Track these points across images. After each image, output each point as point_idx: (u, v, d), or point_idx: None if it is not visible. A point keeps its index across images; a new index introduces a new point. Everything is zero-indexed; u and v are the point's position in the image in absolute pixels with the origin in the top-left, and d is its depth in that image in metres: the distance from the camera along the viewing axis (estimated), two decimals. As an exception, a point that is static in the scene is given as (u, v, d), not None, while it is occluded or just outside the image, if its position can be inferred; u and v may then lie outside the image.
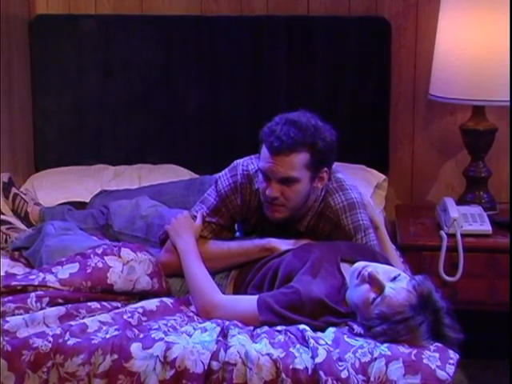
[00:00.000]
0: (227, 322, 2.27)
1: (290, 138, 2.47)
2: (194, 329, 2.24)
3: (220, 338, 2.17)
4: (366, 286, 2.27)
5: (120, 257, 2.48)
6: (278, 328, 2.25)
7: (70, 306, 2.30)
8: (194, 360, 2.09)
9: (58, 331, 2.16)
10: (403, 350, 2.12)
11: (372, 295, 2.25)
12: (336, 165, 2.67)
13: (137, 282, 2.46)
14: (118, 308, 2.36)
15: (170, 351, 2.10)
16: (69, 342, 2.13)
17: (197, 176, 3.45)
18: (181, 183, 3.23)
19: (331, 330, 2.25)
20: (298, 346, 2.15)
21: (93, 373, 2.09)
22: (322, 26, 3.62)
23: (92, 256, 2.47)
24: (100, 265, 2.44)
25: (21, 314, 2.24)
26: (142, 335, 2.17)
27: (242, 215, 2.69)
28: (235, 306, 2.36)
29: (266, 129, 2.53)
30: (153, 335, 2.17)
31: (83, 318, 2.27)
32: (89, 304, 2.33)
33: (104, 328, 2.21)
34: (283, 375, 2.07)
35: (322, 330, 2.26)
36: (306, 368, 2.08)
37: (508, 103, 3.25)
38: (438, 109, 3.62)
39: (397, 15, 3.63)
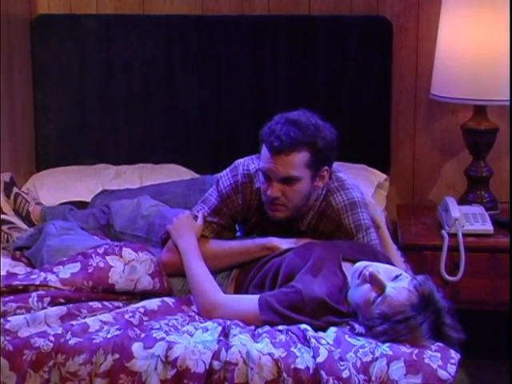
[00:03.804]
0: (228, 322, 2.27)
1: (289, 138, 2.46)
2: (196, 328, 2.24)
3: (221, 338, 2.17)
4: (367, 286, 2.27)
5: (121, 256, 2.48)
6: (280, 328, 2.24)
7: (71, 305, 2.30)
8: (195, 360, 2.09)
9: (60, 331, 2.16)
10: (404, 349, 2.12)
11: (373, 295, 2.25)
12: (337, 164, 2.66)
13: (138, 281, 2.46)
14: (119, 308, 2.36)
15: (171, 351, 2.10)
16: (70, 342, 2.13)
17: (198, 176, 3.44)
18: (182, 183, 3.23)
19: (332, 329, 2.25)
20: (299, 345, 2.15)
21: (94, 372, 2.10)
22: (323, 26, 3.61)
23: (93, 256, 2.47)
24: (101, 264, 2.44)
25: (22, 314, 2.24)
26: (143, 335, 2.17)
27: (243, 215, 2.69)
28: (236, 305, 2.36)
29: (265, 128, 2.53)
30: (154, 335, 2.17)
31: (84, 317, 2.27)
32: (90, 304, 2.33)
33: (105, 328, 2.21)
34: (284, 375, 2.07)
35: (324, 330, 2.25)
36: (308, 368, 2.08)
37: (509, 103, 3.25)
38: (439, 108, 3.61)
39: (398, 15, 3.62)
